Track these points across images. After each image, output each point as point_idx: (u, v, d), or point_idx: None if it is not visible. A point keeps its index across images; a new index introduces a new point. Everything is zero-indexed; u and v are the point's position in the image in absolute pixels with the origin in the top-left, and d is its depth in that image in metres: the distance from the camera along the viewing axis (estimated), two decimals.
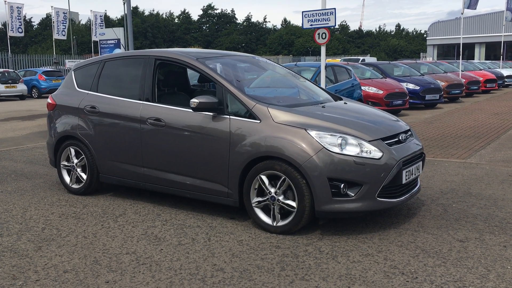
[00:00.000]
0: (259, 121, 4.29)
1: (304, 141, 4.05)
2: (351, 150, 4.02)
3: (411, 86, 14.85)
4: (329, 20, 8.59)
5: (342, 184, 3.96)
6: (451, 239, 4.01)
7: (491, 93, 22.21)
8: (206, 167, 4.55)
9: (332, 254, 3.76)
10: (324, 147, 3.99)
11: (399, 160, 4.12)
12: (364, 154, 4.01)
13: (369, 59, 39.38)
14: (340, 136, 4.05)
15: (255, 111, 4.33)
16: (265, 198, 4.24)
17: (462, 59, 21.65)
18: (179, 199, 5.27)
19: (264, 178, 4.22)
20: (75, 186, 5.66)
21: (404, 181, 4.20)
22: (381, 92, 12.94)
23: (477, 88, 20.30)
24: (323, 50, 9.06)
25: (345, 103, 5.07)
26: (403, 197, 4.27)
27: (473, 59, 42.00)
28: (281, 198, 4.16)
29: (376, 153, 4.04)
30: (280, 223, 4.20)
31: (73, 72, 5.90)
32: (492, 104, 16.45)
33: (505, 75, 26.14)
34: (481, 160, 7.25)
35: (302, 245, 3.95)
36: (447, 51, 51.81)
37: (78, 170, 5.61)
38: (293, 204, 4.10)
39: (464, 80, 18.85)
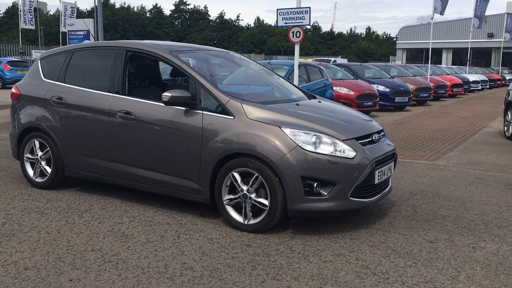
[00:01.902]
0: (232, 117, 4.21)
1: (278, 138, 3.99)
2: (325, 148, 3.98)
3: (381, 88, 15.03)
4: (304, 18, 8.57)
5: (315, 183, 3.92)
6: (421, 240, 4.02)
7: (457, 97, 22.73)
8: (177, 163, 4.44)
9: (304, 253, 3.72)
10: (298, 145, 3.94)
11: (372, 160, 4.11)
12: (337, 153, 3.98)
13: (340, 60, 39.77)
14: (315, 135, 4.00)
15: (228, 107, 4.24)
16: (237, 196, 4.17)
17: (430, 64, 22.05)
18: (148, 195, 5.13)
19: (236, 175, 4.14)
20: (38, 179, 5.44)
21: (376, 181, 4.20)
22: (352, 93, 13.04)
23: (444, 92, 20.72)
24: (297, 48, 9.03)
25: (319, 101, 5.04)
26: (375, 197, 4.27)
27: (441, 64, 42.93)
28: (253, 196, 4.09)
29: (349, 152, 4.01)
30: (252, 222, 4.13)
31: (39, 61, 5.67)
32: (458, 108, 16.82)
33: (471, 80, 26.81)
34: (449, 162, 7.36)
35: (274, 244, 3.89)
36: (415, 55, 52.83)
37: (43, 163, 5.40)
38: (265, 202, 4.04)
39: (432, 84, 19.21)
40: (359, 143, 4.15)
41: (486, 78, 30.21)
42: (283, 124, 4.07)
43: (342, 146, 4.01)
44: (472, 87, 26.82)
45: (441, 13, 21.00)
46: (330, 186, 3.96)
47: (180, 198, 4.63)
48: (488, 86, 30.48)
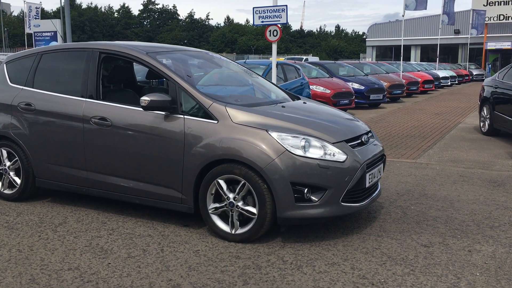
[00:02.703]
0: (216, 122, 3.99)
1: (265, 143, 3.79)
2: (315, 152, 3.80)
3: (356, 86, 15.00)
4: (281, 17, 8.40)
5: (306, 189, 3.73)
6: (415, 244, 3.89)
7: (428, 93, 23.00)
8: (157, 170, 4.19)
9: (297, 264, 3.53)
10: (286, 149, 3.75)
11: (363, 163, 3.96)
12: (328, 157, 3.81)
13: (312, 58, 39.91)
14: (304, 138, 3.82)
15: (211, 111, 4.02)
16: (223, 204, 3.95)
17: (401, 61, 22.25)
18: (126, 205, 4.86)
19: (222, 182, 3.92)
20: (7, 191, 5.10)
21: (367, 185, 4.05)
22: (328, 91, 12.95)
23: (416, 88, 20.91)
24: (274, 47, 8.85)
25: (304, 102, 4.86)
26: (365, 201, 4.11)
27: (409, 61, 43.53)
28: (240, 204, 3.88)
29: (340, 155, 3.85)
30: (239, 231, 3.92)
31: (5, 65, 5.31)
32: (431, 105, 16.97)
33: (440, 76, 27.21)
34: (430, 160, 7.31)
35: (264, 255, 3.69)
36: (384, 53, 53.46)
37: (11, 173, 5.06)
38: (254, 210, 3.83)
39: (405, 81, 19.35)
40: (349, 145, 3.99)
41: (455, 74, 30.73)
42: (270, 127, 3.87)
43: (332, 149, 3.84)
44: (442, 83, 27.22)
45: (423, 8, 21.09)
46: (321, 192, 3.78)
47: (161, 208, 4.38)
48: (456, 82, 31.01)
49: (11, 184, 5.09)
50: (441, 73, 28.14)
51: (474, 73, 38.09)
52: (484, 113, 9.90)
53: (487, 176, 6.22)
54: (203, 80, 5.15)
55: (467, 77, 34.88)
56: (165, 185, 4.18)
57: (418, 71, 25.53)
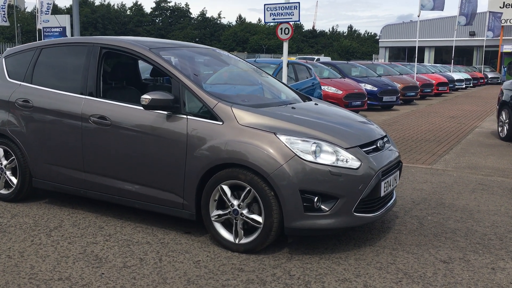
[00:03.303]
0: (221, 123, 3.73)
1: (273, 147, 3.52)
2: (326, 158, 3.52)
3: (369, 87, 14.67)
4: (293, 14, 8.12)
5: (316, 197, 3.46)
6: (433, 260, 3.59)
7: (442, 96, 22.56)
8: (158, 174, 3.94)
9: (304, 279, 3.25)
10: (296, 154, 3.48)
11: (378, 171, 3.67)
12: (340, 163, 3.52)
13: (324, 58, 39.52)
14: (314, 142, 3.54)
15: (216, 111, 3.76)
16: (227, 212, 3.69)
17: (416, 62, 21.83)
18: (126, 209, 4.62)
19: (226, 188, 3.66)
20: (3, 191, 4.88)
21: (382, 194, 3.76)
22: (340, 92, 12.64)
23: (430, 91, 20.49)
24: (285, 46, 8.57)
25: (315, 104, 4.58)
26: (380, 212, 3.82)
27: (423, 62, 42.95)
28: (245, 212, 3.61)
29: (353, 162, 3.56)
30: (244, 241, 3.65)
31: (3, 59, 5.09)
32: (446, 108, 16.57)
33: (455, 79, 26.71)
34: (447, 166, 6.98)
35: (269, 268, 3.42)
36: (397, 54, 52.86)
37: (8, 173, 4.84)
38: (259, 219, 3.56)
39: (419, 83, 18.95)
40: (364, 151, 3.70)
41: (469, 77, 30.19)
42: (278, 130, 3.60)
43: (345, 155, 3.56)
44: (456, 85, 26.74)
45: (435, 9, 20.66)
46: (332, 201, 3.50)
47: (162, 213, 4.13)
48: (471, 85, 30.46)
49: (7, 184, 4.87)
50: (456, 76, 27.64)
51: (489, 76, 37.44)
52: (503, 117, 9.53)
53: (508, 185, 5.89)
54: (211, 78, 4.89)
55: (482, 80, 34.28)
56: (166, 189, 3.93)
57: (432, 73, 25.08)
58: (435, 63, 43.67)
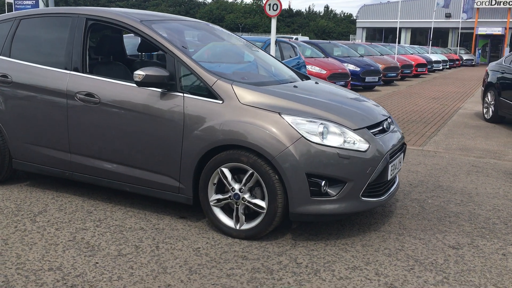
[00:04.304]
0: (221, 102, 3.49)
1: (277, 128, 3.31)
2: (334, 140, 3.33)
3: (351, 67, 14.52)
4: None
5: (323, 181, 3.27)
6: (442, 246, 3.47)
7: (421, 77, 22.64)
8: (151, 155, 3.69)
9: (313, 267, 3.09)
10: (302, 136, 3.28)
11: (386, 153, 3.51)
12: (347, 145, 3.34)
13: (302, 38, 39.15)
14: (321, 123, 3.34)
15: (216, 89, 3.51)
16: (227, 196, 3.48)
17: (392, 43, 21.79)
18: (114, 192, 4.36)
19: (226, 171, 3.44)
20: None
21: (389, 177, 3.61)
22: (324, 72, 12.46)
23: (409, 72, 20.50)
24: (273, 23, 8.30)
25: (316, 82, 4.37)
26: (385, 196, 3.67)
27: (399, 43, 43.06)
28: (246, 196, 3.41)
29: (361, 144, 3.39)
30: (245, 227, 3.46)
31: None
32: (426, 89, 16.59)
33: (433, 60, 26.85)
34: (437, 148, 6.91)
35: (274, 255, 3.24)
36: (373, 35, 52.90)
37: None
38: (262, 204, 3.37)
39: (399, 64, 18.92)
40: (371, 132, 3.53)
41: (446, 58, 30.42)
42: (283, 110, 3.38)
43: (352, 136, 3.38)
44: (434, 67, 26.89)
45: None
46: (339, 185, 3.32)
47: (155, 197, 3.90)
48: (448, 66, 30.72)
49: None
50: (434, 57, 27.79)
51: (464, 58, 37.83)
52: (488, 99, 9.52)
53: (501, 167, 5.84)
54: (199, 53, 4.61)
55: (458, 62, 34.62)
56: (160, 172, 3.69)
57: (411, 54, 25.13)
58: (411, 44, 43.90)
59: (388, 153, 3.55)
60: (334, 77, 12.59)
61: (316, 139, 3.29)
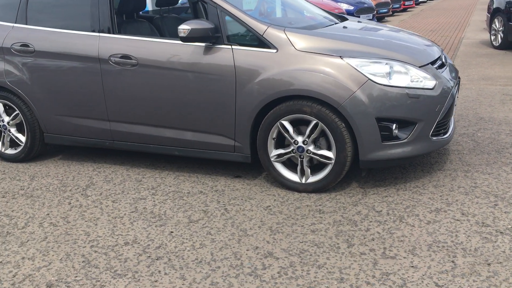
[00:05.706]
0: (275, 50, 3.26)
1: (341, 72, 3.11)
2: (401, 79, 3.16)
3: (345, 6, 14.11)
4: None
5: (394, 125, 3.13)
6: None
7: (409, 11, 22.23)
8: (202, 115, 3.49)
9: (395, 214, 2.99)
10: (369, 78, 3.09)
11: (452, 88, 3.36)
12: (415, 84, 3.17)
13: None
14: (387, 63, 3.16)
15: (267, 37, 3.28)
16: (289, 150, 3.32)
17: None
18: (153, 157, 4.18)
19: (286, 124, 3.27)
20: (9, 151, 4.31)
21: (453, 114, 3.47)
22: None
23: (398, 6, 20.06)
24: None
25: (359, 21, 4.14)
26: (449, 133, 3.55)
27: None
28: (311, 148, 3.26)
29: (428, 81, 3.22)
30: (312, 179, 3.32)
31: None
32: (420, 22, 16.29)
33: None
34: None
35: (349, 206, 3.13)
36: None
37: (12, 130, 4.25)
38: (330, 154, 3.22)
39: None
40: (435, 68, 3.36)
41: None
42: (344, 53, 3.17)
43: (419, 74, 3.20)
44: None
45: None
46: (410, 127, 3.18)
47: (209, 159, 3.73)
48: None
49: (13, 143, 4.30)
50: None
51: None
52: (496, 25, 9.32)
53: None
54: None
55: None
56: (213, 132, 3.50)
57: None
58: None
59: (454, 88, 3.40)
60: None
61: (384, 81, 3.11)
